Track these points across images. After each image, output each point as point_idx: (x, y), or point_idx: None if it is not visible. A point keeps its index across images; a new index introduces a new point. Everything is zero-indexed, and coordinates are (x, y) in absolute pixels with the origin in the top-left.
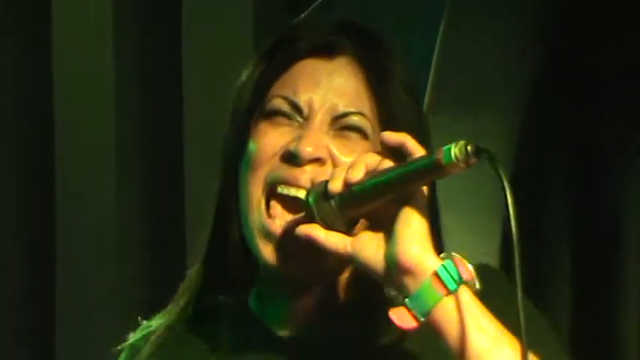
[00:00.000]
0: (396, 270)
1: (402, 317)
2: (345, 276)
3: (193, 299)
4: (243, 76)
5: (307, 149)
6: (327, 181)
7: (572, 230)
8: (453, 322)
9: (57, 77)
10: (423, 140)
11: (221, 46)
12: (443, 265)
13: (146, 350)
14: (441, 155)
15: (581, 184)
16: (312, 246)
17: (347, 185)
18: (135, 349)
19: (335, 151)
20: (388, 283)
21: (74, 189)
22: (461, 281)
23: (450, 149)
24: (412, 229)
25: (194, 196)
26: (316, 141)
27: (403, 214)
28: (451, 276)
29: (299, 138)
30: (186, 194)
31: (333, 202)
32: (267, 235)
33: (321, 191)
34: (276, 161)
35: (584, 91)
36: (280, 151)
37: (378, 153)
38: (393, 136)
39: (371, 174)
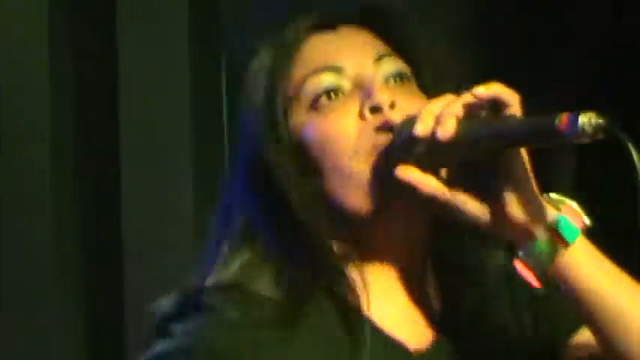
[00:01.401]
0: (507, 226)
1: (522, 272)
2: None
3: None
4: (255, 74)
5: (384, 96)
6: (412, 124)
7: None
8: (579, 274)
9: None
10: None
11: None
12: (559, 218)
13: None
14: (565, 123)
15: None
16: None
17: (434, 138)
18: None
19: (398, 97)
20: (494, 235)
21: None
22: (578, 233)
23: (577, 119)
24: (521, 185)
25: (130, 194)
26: (381, 87)
27: (509, 169)
28: (568, 227)
29: (367, 95)
30: (122, 192)
31: (422, 147)
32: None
33: (408, 134)
34: (358, 130)
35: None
36: (354, 120)
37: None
38: (485, 90)
39: (467, 125)
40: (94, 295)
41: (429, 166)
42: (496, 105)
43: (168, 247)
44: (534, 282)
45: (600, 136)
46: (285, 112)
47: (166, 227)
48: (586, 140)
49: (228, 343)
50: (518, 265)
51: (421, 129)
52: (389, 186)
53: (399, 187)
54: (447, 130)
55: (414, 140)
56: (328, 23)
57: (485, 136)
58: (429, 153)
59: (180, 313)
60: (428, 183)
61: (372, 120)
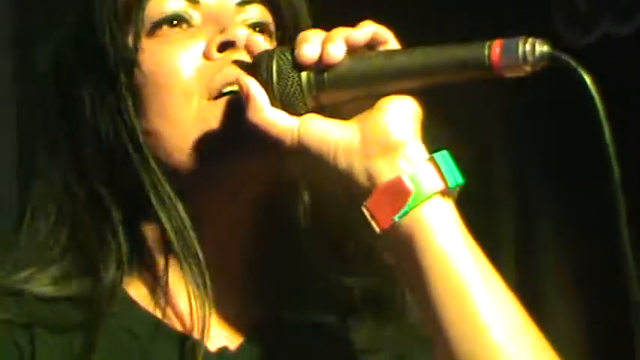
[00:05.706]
0: (378, 148)
1: (377, 209)
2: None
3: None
4: None
5: (241, 31)
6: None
7: None
8: (426, 240)
9: None
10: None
11: None
12: (441, 154)
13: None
14: (498, 51)
15: None
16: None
17: (328, 59)
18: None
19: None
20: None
21: None
22: (458, 182)
23: (515, 44)
24: (407, 108)
25: None
26: (239, 25)
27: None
28: (450, 169)
29: (222, 30)
30: None
31: (304, 76)
32: (207, 119)
33: (289, 59)
34: (198, 69)
35: None
36: (197, 57)
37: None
38: (360, 33)
39: (356, 59)
40: None
41: (289, 105)
42: (371, 46)
43: None
44: (375, 227)
45: (542, 64)
46: (113, 35)
47: None
48: (528, 70)
49: None
50: (377, 202)
51: (307, 49)
52: (226, 138)
53: (239, 141)
54: (339, 48)
55: (289, 70)
56: None
57: (386, 70)
58: (305, 85)
59: None
60: (276, 116)
61: (220, 60)
